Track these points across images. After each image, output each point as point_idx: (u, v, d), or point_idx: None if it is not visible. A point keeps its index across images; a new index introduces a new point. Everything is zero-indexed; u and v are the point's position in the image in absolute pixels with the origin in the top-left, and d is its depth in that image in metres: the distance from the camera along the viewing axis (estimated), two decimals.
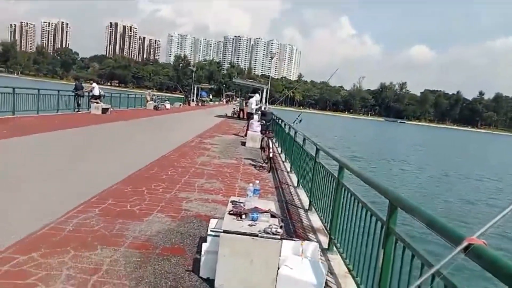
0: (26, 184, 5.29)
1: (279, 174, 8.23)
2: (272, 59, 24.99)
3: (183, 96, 45.56)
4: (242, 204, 3.66)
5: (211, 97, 60.51)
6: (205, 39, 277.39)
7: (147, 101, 27.75)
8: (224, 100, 75.83)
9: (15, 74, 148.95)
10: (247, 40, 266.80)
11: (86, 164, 7.02)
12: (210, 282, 3.06)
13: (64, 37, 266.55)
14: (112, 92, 24.01)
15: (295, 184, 7.20)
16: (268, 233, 2.97)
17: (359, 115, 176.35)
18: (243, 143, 12.86)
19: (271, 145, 8.27)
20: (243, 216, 3.30)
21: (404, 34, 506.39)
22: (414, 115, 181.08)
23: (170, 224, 4.30)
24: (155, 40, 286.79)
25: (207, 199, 5.50)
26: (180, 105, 37.58)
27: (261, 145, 10.03)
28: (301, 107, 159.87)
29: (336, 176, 4.07)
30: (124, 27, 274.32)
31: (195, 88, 49.02)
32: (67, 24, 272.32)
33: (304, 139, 6.92)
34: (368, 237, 2.97)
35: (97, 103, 18.18)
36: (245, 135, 14.52)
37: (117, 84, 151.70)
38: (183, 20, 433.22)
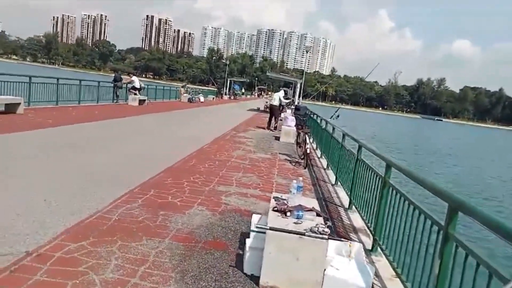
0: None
1: (315, 170, 8.12)
2: (307, 52, 24.68)
3: (215, 89, 45.92)
4: (285, 201, 3.61)
5: (243, 90, 60.72)
6: (239, 32, 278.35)
7: (181, 93, 28.22)
8: (256, 94, 75.99)
9: (56, 65, 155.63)
10: (281, 33, 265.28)
11: (126, 154, 7.20)
12: (254, 278, 3.04)
13: (103, 29, 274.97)
14: (148, 84, 24.51)
15: (333, 182, 7.07)
16: (315, 232, 2.91)
17: (394, 111, 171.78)
18: (277, 138, 12.80)
19: (307, 141, 8.16)
20: (288, 214, 3.25)
21: (445, 29, 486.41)
22: (452, 112, 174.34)
23: (211, 217, 4.32)
24: (190, 33, 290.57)
25: (246, 194, 5.49)
26: (213, 98, 37.95)
27: (296, 140, 9.92)
28: (333, 102, 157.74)
29: (382, 175, 3.94)
30: (160, 19, 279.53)
31: (228, 82, 49.32)
32: (105, 16, 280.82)
33: (343, 136, 6.77)
34: (421, 241, 2.85)
35: (135, 94, 18.63)
36: (267, 127, 15.29)
37: (151, 76, 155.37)
38: (218, 14, 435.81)
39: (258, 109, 28.79)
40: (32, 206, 3.94)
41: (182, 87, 29.45)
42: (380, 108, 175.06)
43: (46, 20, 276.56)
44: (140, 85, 19.76)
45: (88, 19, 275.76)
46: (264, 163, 8.14)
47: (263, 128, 15.50)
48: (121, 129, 10.59)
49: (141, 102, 18.56)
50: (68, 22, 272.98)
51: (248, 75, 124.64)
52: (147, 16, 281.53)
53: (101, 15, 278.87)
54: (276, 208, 3.37)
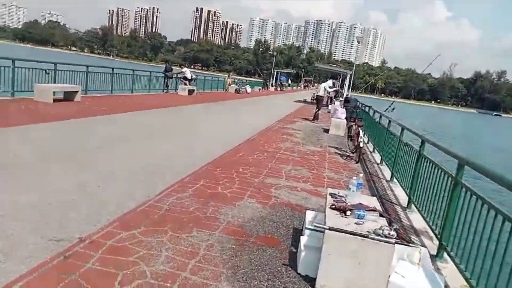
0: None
1: (368, 165, 7.72)
2: (358, 43, 23.82)
3: (262, 80, 45.74)
4: (343, 199, 3.36)
5: (289, 81, 60.10)
6: (286, 24, 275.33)
7: (229, 84, 28.35)
8: (302, 85, 74.97)
9: (111, 56, 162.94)
10: (329, 24, 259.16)
11: (181, 141, 7.22)
12: (309, 280, 2.84)
13: (155, 22, 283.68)
14: (197, 75, 24.81)
15: (388, 178, 6.66)
16: (379, 235, 2.64)
17: (447, 105, 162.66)
18: (326, 130, 12.41)
19: (361, 134, 7.75)
20: (348, 213, 3.00)
21: (506, 17, 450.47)
22: None
23: (262, 211, 4.16)
24: (237, 25, 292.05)
25: (296, 188, 5.28)
26: (260, 89, 37.87)
27: (348, 133, 9.52)
28: (382, 94, 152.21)
29: (454, 174, 3.55)
30: (208, 11, 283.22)
31: (275, 73, 48.98)
32: (157, 9, 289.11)
33: (402, 130, 6.32)
34: (505, 252, 2.49)
35: (185, 84, 18.93)
36: (314, 118, 14.86)
37: (199, 67, 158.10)
38: (266, 6, 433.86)
39: (305, 101, 28.31)
40: (86, 193, 3.98)
41: (228, 77, 29.56)
42: (433, 102, 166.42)
43: (103, 13, 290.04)
44: (192, 75, 20.08)
45: (141, 12, 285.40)
46: (313, 156, 7.86)
47: (310, 120, 15.12)
48: (172, 119, 10.72)
49: (191, 92, 18.82)
50: (122, 15, 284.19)
51: (295, 67, 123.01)
52: (197, 8, 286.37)
53: (153, 8, 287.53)
54: (334, 206, 3.12)
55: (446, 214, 3.54)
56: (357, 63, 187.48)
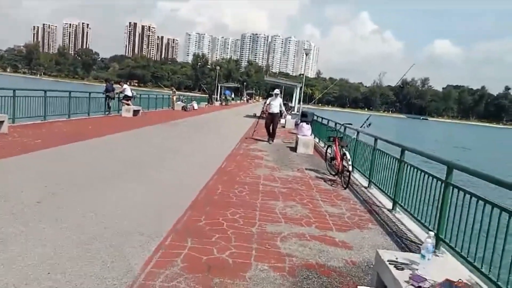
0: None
1: (358, 190, 6.96)
2: (306, 55, 23.53)
3: (206, 95, 44.52)
4: (418, 272, 2.43)
5: (233, 96, 59.52)
6: (223, 38, 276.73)
7: (173, 101, 26.76)
8: (245, 99, 74.82)
9: (38, 75, 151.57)
10: (265, 37, 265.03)
11: (143, 180, 5.91)
12: None
13: (85, 38, 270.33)
14: (139, 93, 22.99)
15: (388, 206, 5.91)
16: None
17: (380, 112, 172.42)
18: (292, 149, 11.64)
19: (348, 156, 6.99)
20: None
21: (427, 29, 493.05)
22: (436, 111, 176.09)
23: (283, 283, 3.10)
24: (173, 39, 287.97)
25: (303, 235, 4.29)
26: (206, 104, 36.65)
27: (325, 154, 8.74)
28: (319, 104, 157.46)
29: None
30: (142, 26, 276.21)
31: (219, 87, 48.05)
32: (87, 25, 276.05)
33: (402, 151, 5.62)
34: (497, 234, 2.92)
35: (128, 104, 17.23)
36: (270, 137, 12.87)
37: (136, 84, 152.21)
38: (201, 19, 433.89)
39: (254, 115, 27.60)
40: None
41: (173, 94, 27.88)
42: (366, 109, 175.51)
43: (26, 30, 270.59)
44: (132, 93, 18.38)
45: (70, 28, 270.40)
46: (297, 183, 6.95)
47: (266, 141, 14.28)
48: (122, 148, 9.24)
49: (136, 112, 17.17)
50: (49, 32, 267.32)
51: (235, 80, 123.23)
52: (130, 23, 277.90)
53: (83, 23, 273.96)
54: None
55: (441, 212, 4.10)
56: (294, 74, 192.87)
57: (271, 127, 12.86)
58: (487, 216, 3.33)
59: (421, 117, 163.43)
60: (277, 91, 13.38)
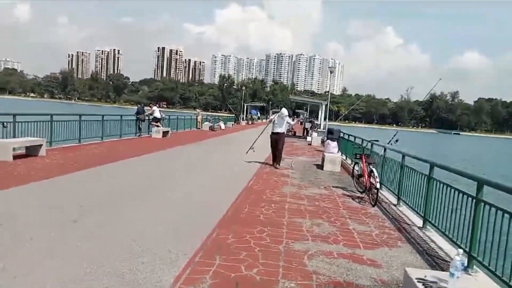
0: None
1: (386, 208, 6.86)
2: (331, 73, 23.68)
3: (233, 115, 45.17)
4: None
5: (259, 115, 60.10)
6: (248, 58, 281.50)
7: (198, 121, 27.19)
8: (271, 117, 75.26)
9: (73, 100, 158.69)
10: (289, 56, 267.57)
11: (179, 195, 6.09)
12: None
13: (116, 63, 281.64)
14: (168, 114, 23.63)
15: (418, 224, 5.79)
16: None
17: (408, 127, 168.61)
18: (319, 166, 11.63)
19: (375, 173, 6.93)
20: None
21: (454, 40, 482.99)
22: (468, 125, 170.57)
23: None
24: (200, 62, 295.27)
25: (331, 253, 4.28)
26: (232, 124, 37.13)
27: (352, 172, 8.69)
28: (346, 121, 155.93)
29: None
30: (170, 50, 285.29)
31: (245, 107, 48.69)
32: (118, 50, 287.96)
33: (431, 167, 5.54)
34: None
35: (157, 126, 17.77)
36: (274, 164, 10.78)
37: (165, 105, 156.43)
38: (226, 41, 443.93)
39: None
40: None
41: (198, 114, 28.28)
42: (394, 125, 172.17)
43: (61, 58, 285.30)
44: (161, 115, 18.96)
45: (102, 54, 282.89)
46: (324, 201, 6.93)
47: (294, 155, 14.30)
48: (157, 167, 9.53)
49: (165, 133, 17.66)
50: (82, 59, 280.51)
51: (260, 99, 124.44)
52: (158, 47, 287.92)
53: (114, 49, 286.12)
54: None
55: (472, 229, 4.00)
56: (320, 92, 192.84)
57: (276, 149, 10.82)
58: None
59: (453, 132, 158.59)
60: (285, 110, 11.28)
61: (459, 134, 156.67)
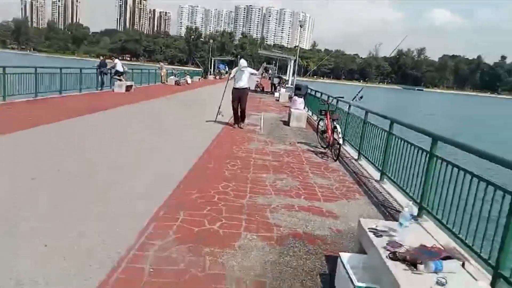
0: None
1: (347, 163, 7.11)
2: (301, 27, 23.32)
3: (200, 69, 44.07)
4: (395, 238, 2.58)
5: (227, 69, 58.96)
6: (216, 10, 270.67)
7: (162, 76, 26.25)
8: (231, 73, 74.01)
9: (27, 51, 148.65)
10: (259, 9, 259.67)
11: (134, 163, 6.01)
12: None
13: (75, 12, 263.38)
14: (131, 68, 22.67)
15: (376, 178, 6.06)
16: None
17: (375, 83, 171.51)
18: (285, 122, 11.74)
19: (338, 129, 7.10)
20: (421, 267, 2.21)
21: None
22: (431, 82, 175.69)
23: (270, 251, 3.26)
24: (166, 12, 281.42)
25: (292, 206, 4.44)
26: (199, 79, 36.34)
27: (317, 128, 8.84)
28: (314, 76, 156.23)
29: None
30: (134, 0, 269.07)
31: (212, 61, 47.51)
32: None
33: (391, 123, 5.72)
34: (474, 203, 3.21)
35: (120, 80, 17.09)
36: (235, 123, 10.02)
37: (128, 58, 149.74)
38: None
39: (248, 89, 27.46)
40: None
41: (161, 68, 27.06)
42: (361, 81, 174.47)
43: (13, 5, 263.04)
44: (124, 68, 18.15)
45: (59, 2, 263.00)
46: (288, 157, 7.08)
47: (263, 111, 14.33)
48: (120, 124, 9.28)
49: (128, 88, 17.05)
50: (37, 6, 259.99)
51: (228, 53, 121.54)
52: None
53: None
54: (395, 255, 2.32)
55: (425, 182, 4.28)
56: (289, 47, 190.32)
57: (238, 107, 9.89)
58: (467, 186, 3.46)
59: (416, 88, 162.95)
60: (243, 61, 10.12)
61: (422, 90, 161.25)
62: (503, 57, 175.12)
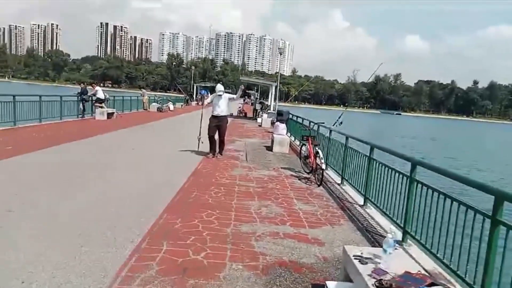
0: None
1: (331, 188, 7.16)
2: (281, 54, 23.84)
3: (183, 96, 44.22)
4: (380, 265, 2.59)
5: (209, 95, 59.32)
6: (197, 37, 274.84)
7: (144, 102, 26.16)
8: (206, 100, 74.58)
9: (6, 78, 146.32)
10: (239, 36, 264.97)
11: (109, 189, 5.90)
12: None
13: (55, 39, 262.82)
14: (113, 95, 22.57)
15: (360, 202, 6.12)
16: None
17: (354, 108, 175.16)
18: (268, 148, 11.80)
19: (320, 155, 7.18)
20: None
21: (396, 27, 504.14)
22: (409, 106, 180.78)
23: (256, 281, 3.21)
24: (147, 39, 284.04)
25: (277, 233, 4.42)
26: (182, 105, 36.40)
27: (300, 153, 8.91)
28: (296, 102, 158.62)
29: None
30: (115, 27, 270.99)
31: (195, 87, 47.84)
32: (57, 25, 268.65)
33: (371, 149, 5.83)
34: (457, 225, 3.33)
35: (101, 107, 16.95)
36: (212, 152, 9.24)
37: (110, 85, 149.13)
38: (174, 18, 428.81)
39: (231, 115, 27.64)
40: None
41: (143, 95, 26.92)
42: (341, 106, 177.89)
43: None
44: (105, 96, 18.03)
45: (38, 29, 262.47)
46: (272, 183, 7.09)
47: (245, 137, 14.39)
48: (99, 153, 9.14)
49: (110, 115, 16.93)
50: (16, 33, 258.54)
51: (210, 79, 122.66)
52: (101, 23, 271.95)
53: (52, 24, 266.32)
54: (381, 284, 2.33)
55: (407, 206, 4.34)
56: (270, 73, 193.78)
57: (216, 135, 9.07)
58: (448, 209, 3.50)
59: (395, 112, 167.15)
60: (219, 86, 9.26)
61: (400, 114, 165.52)
62: (475, 82, 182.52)
